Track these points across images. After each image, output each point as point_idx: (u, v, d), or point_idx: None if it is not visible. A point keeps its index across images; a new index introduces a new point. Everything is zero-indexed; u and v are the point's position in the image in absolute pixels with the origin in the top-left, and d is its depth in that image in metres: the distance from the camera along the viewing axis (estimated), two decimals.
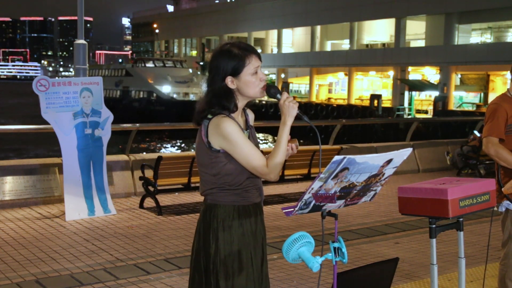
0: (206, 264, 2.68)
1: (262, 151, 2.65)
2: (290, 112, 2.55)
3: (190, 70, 47.94)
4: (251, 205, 2.68)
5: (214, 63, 2.64)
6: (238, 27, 56.34)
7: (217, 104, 2.62)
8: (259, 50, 56.78)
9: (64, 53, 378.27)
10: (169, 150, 30.75)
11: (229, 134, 2.54)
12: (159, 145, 32.40)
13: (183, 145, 32.57)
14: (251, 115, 2.82)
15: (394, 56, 39.85)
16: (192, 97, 42.61)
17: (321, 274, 4.98)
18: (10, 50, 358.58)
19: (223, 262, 2.63)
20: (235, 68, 2.60)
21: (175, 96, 42.56)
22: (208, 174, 2.65)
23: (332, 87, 50.06)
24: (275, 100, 2.67)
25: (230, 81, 2.61)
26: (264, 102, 39.07)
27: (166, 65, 47.58)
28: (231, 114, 2.63)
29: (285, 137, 2.58)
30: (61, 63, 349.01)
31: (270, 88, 2.63)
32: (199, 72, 50.81)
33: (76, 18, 8.70)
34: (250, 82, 2.61)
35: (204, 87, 2.71)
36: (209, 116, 2.60)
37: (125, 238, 6.26)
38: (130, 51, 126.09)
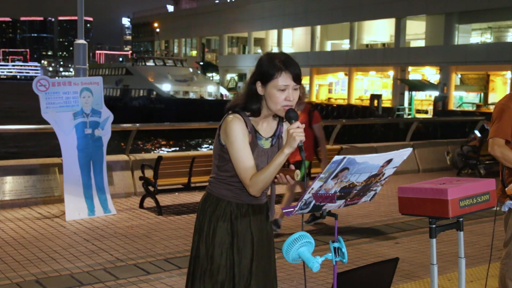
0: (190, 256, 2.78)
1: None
2: (291, 143, 2.49)
3: (191, 70, 48.04)
4: (242, 204, 2.71)
5: (256, 65, 2.70)
6: (238, 27, 56.33)
7: (241, 103, 2.67)
8: (259, 50, 56.82)
9: (64, 53, 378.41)
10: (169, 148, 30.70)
11: (230, 132, 2.60)
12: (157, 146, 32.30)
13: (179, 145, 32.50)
14: (286, 127, 2.78)
15: (394, 56, 39.84)
16: (192, 95, 42.72)
17: (321, 274, 4.99)
18: (10, 50, 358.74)
19: (200, 260, 2.70)
20: (264, 76, 2.61)
21: (172, 92, 42.53)
22: (214, 163, 2.75)
23: (332, 87, 50.02)
24: None
25: (259, 86, 2.64)
26: None
27: (167, 64, 47.68)
28: (249, 116, 2.65)
29: (278, 162, 2.52)
30: (61, 63, 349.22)
31: (289, 111, 2.58)
32: (199, 71, 50.88)
33: (76, 18, 8.69)
34: (273, 96, 2.60)
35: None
36: (230, 112, 2.67)
37: (125, 238, 6.26)
38: (130, 51, 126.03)
